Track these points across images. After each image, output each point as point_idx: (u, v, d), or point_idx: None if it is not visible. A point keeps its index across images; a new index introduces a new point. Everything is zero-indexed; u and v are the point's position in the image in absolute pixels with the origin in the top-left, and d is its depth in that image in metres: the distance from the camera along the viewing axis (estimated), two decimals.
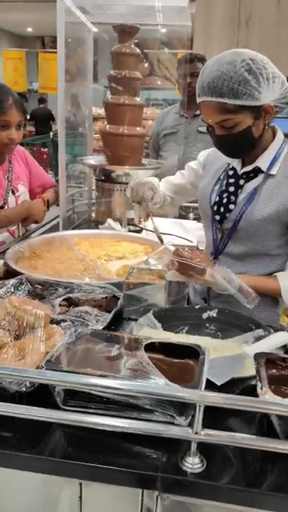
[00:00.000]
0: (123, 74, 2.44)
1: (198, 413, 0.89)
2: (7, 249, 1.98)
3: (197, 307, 1.55)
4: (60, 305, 1.53)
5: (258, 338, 1.38)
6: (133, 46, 2.46)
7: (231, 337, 1.44)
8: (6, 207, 2.13)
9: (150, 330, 1.41)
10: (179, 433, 0.91)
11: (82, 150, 3.11)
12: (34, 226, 2.32)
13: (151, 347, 1.14)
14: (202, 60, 3.24)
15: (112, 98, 2.50)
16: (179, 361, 1.13)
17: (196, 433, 0.90)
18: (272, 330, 1.39)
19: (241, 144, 1.46)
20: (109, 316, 1.47)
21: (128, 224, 2.54)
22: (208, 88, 1.38)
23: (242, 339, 1.40)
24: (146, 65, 6.46)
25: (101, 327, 1.39)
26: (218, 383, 1.11)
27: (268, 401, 0.92)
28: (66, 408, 1.00)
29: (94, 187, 2.83)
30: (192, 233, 2.43)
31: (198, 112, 3.25)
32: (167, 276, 1.48)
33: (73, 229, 2.57)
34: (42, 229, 2.47)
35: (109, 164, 2.59)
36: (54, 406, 1.01)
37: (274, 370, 1.11)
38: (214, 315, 1.53)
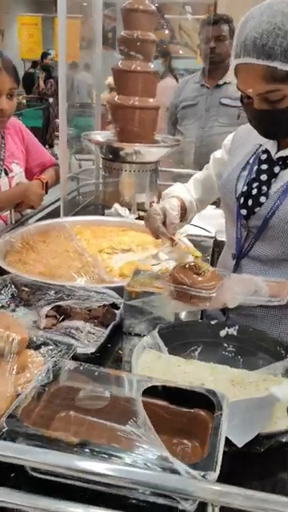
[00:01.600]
0: (135, 35, 2.10)
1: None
2: None
3: (213, 323, 1.27)
4: (47, 315, 1.27)
5: None
6: (147, 1, 2.10)
7: (255, 362, 1.17)
8: None
9: (153, 356, 1.13)
10: None
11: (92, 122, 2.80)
12: (29, 211, 2.04)
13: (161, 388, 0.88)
14: (229, 22, 2.85)
15: (122, 63, 2.17)
16: (188, 410, 0.86)
17: None
18: None
19: (285, 122, 1.14)
20: (104, 333, 1.20)
21: (138, 209, 2.24)
22: (253, 46, 1.04)
23: (268, 370, 1.11)
24: (166, 31, 6.01)
25: (92, 350, 1.13)
26: (239, 444, 0.84)
27: None
28: (34, 475, 0.75)
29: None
30: (210, 221, 2.13)
31: (221, 82, 2.88)
32: (171, 308, 1.20)
33: (76, 213, 2.29)
34: (40, 214, 2.19)
35: (118, 140, 2.28)
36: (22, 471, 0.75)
37: None
38: (235, 333, 1.25)
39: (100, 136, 2.41)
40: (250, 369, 1.14)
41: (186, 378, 1.07)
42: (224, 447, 0.85)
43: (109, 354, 1.20)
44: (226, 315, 1.37)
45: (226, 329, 1.26)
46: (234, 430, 0.86)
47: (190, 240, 1.88)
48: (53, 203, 2.25)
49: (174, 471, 0.68)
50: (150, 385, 0.86)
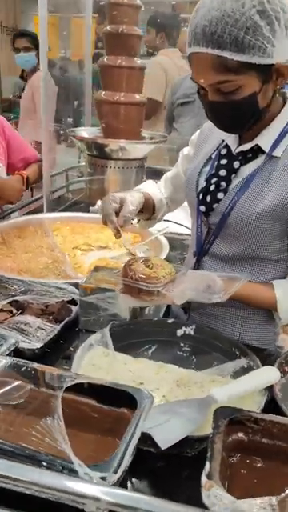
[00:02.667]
0: (120, 29, 2.07)
1: None
2: None
3: (170, 321, 1.24)
4: (1, 309, 1.25)
5: (239, 372, 1.06)
6: None
7: (208, 362, 1.14)
8: None
9: (101, 353, 1.11)
10: None
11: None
12: (10, 206, 2.04)
13: (86, 386, 0.85)
14: None
15: (107, 59, 2.14)
16: (113, 409, 0.83)
17: None
18: (259, 362, 1.07)
19: (241, 115, 1.09)
20: (55, 329, 1.18)
21: None
22: (203, 35, 0.99)
23: (218, 371, 1.08)
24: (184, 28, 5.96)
25: (39, 345, 1.11)
26: (163, 446, 0.81)
27: None
28: None
29: None
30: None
31: None
32: (120, 302, 1.16)
33: (63, 210, 2.27)
34: (25, 209, 2.19)
35: (104, 137, 2.26)
36: None
37: (242, 434, 0.80)
38: (192, 333, 1.22)
39: (86, 132, 2.39)
40: (202, 369, 1.10)
41: (129, 377, 1.04)
42: (152, 448, 0.83)
43: (60, 351, 1.18)
44: (188, 314, 1.34)
45: (183, 328, 1.22)
46: (161, 431, 0.83)
47: (170, 237, 1.86)
48: (37, 199, 2.24)
49: (73, 471, 0.65)
50: (74, 382, 0.83)
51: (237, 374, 1.05)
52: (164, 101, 3.34)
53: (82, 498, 0.59)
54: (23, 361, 0.90)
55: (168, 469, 0.86)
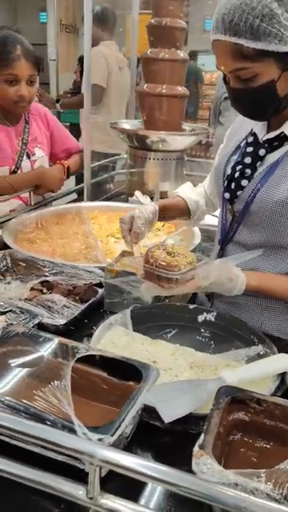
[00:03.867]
0: (164, 22, 2.10)
1: (92, 475, 0.63)
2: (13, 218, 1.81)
3: (191, 307, 1.26)
4: (33, 288, 1.32)
5: (254, 358, 1.07)
6: None
7: (226, 348, 1.14)
8: (19, 172, 1.95)
9: (120, 332, 1.15)
10: (71, 492, 0.66)
11: None
12: (52, 194, 2.12)
13: (98, 358, 0.90)
14: None
15: (150, 51, 2.18)
16: (122, 382, 0.87)
17: (91, 498, 0.65)
18: (275, 349, 1.07)
19: (259, 102, 1.10)
20: (79, 308, 1.23)
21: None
22: (222, 22, 1.02)
23: (233, 356, 1.09)
24: None
25: (62, 322, 1.17)
26: (166, 420, 0.83)
27: (206, 484, 0.62)
28: None
29: None
30: None
31: None
32: (142, 288, 1.19)
33: (102, 200, 2.34)
34: (68, 197, 2.27)
35: (144, 129, 2.30)
36: None
37: (243, 413, 0.81)
38: (212, 319, 1.23)
39: (127, 124, 2.44)
40: (218, 354, 1.12)
41: (144, 356, 1.07)
42: (157, 422, 0.86)
43: (84, 329, 1.23)
44: (211, 301, 1.35)
45: (205, 314, 1.24)
46: (167, 406, 0.86)
47: (204, 229, 1.87)
48: (77, 189, 2.31)
49: (73, 431, 0.70)
50: (86, 354, 0.88)
51: (251, 360, 1.06)
52: (107, 86, 3.46)
53: (78, 454, 0.63)
54: (42, 332, 0.95)
55: (172, 444, 0.88)
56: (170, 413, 0.85)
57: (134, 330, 1.17)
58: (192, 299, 1.45)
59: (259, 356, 1.07)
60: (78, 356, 0.87)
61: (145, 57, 2.20)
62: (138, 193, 2.20)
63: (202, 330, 1.23)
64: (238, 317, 1.27)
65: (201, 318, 1.24)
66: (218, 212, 1.85)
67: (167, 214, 1.40)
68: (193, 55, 7.51)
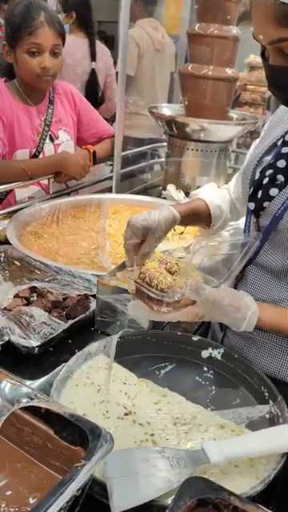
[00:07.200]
0: None
1: None
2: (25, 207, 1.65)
3: (195, 339, 1.03)
4: (17, 295, 1.15)
5: (257, 422, 0.83)
6: None
7: (228, 399, 0.92)
8: (41, 156, 1.78)
9: (100, 363, 0.95)
10: None
11: None
12: (77, 182, 1.93)
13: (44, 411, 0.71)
14: None
15: (199, 27, 1.91)
16: (68, 446, 0.68)
17: None
18: (287, 414, 0.82)
19: None
20: (62, 327, 1.05)
21: None
22: None
23: (233, 415, 0.86)
24: None
25: (35, 344, 0.99)
26: (115, 510, 0.63)
27: None
28: None
29: None
30: None
31: None
32: (128, 308, 0.96)
33: (133, 193, 2.12)
34: (93, 187, 2.09)
35: (186, 115, 2.05)
36: None
37: None
38: (218, 357, 1.00)
39: (168, 109, 2.19)
40: (216, 406, 0.90)
41: (122, 401, 0.87)
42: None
43: (64, 352, 1.04)
44: (224, 332, 1.12)
45: (210, 350, 1.01)
46: (120, 488, 0.66)
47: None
48: (106, 178, 2.12)
49: None
50: (27, 404, 0.69)
51: (253, 425, 0.83)
52: (136, 75, 3.22)
53: None
54: None
55: None
56: (122, 499, 0.64)
57: (122, 361, 0.97)
58: (205, 326, 1.22)
59: (264, 420, 0.83)
60: (19, 406, 0.69)
61: (191, 32, 1.93)
62: (170, 187, 1.97)
63: (205, 369, 1.00)
64: (253, 357, 1.03)
65: (205, 354, 1.01)
66: (242, 221, 1.56)
67: (183, 220, 1.15)
68: None
